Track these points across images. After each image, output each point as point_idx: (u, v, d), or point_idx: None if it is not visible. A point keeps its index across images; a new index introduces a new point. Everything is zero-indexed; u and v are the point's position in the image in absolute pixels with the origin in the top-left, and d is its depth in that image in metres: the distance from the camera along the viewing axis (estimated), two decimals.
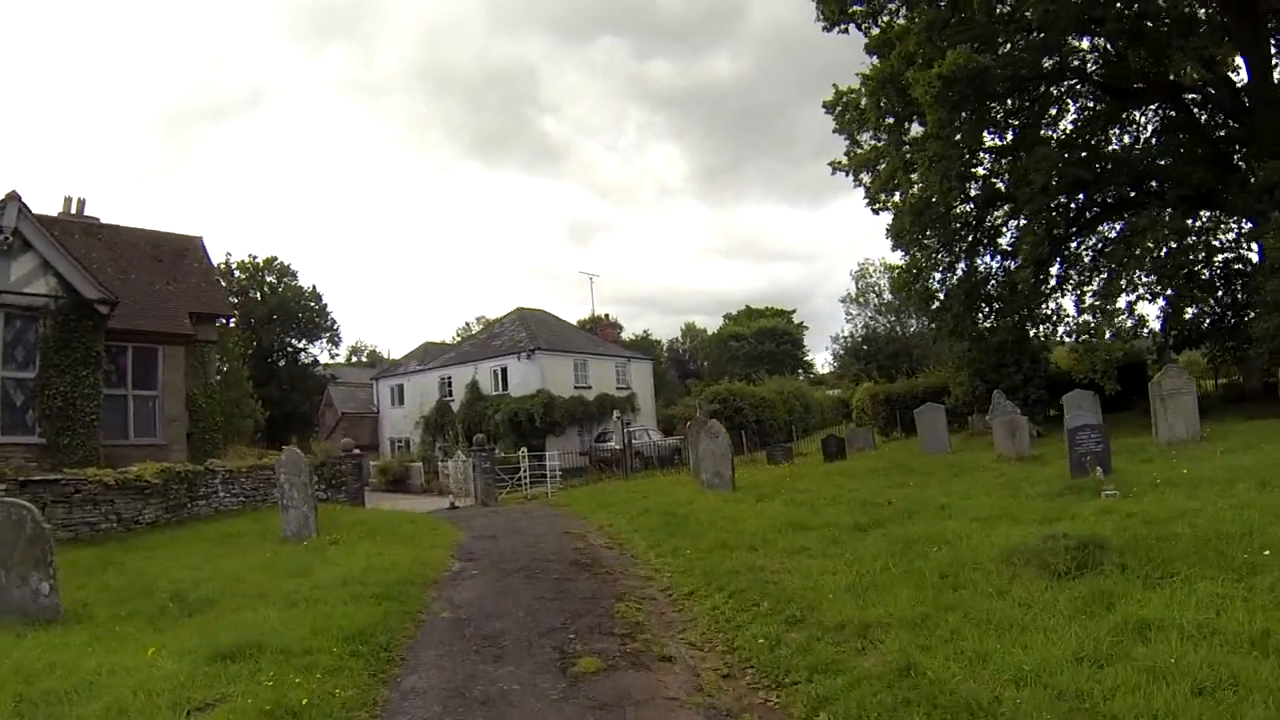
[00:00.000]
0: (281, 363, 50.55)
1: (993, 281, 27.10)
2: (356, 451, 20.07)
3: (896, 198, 28.38)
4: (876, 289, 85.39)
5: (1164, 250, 22.40)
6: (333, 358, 53.91)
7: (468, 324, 77.86)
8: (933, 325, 29.00)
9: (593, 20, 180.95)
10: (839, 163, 30.73)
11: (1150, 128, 26.42)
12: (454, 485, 22.90)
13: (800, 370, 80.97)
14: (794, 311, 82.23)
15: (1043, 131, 26.16)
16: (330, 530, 12.19)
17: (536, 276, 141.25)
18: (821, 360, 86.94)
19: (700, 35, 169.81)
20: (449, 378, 38.79)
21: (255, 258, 51.07)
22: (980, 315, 27.68)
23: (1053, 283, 26.84)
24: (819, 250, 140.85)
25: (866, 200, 29.95)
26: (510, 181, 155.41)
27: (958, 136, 23.82)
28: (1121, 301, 23.48)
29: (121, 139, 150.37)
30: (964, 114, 22.98)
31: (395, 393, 42.57)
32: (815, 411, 60.51)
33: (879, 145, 29.01)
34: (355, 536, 11.61)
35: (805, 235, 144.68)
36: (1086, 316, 24.56)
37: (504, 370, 35.89)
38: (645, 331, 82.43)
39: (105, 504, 14.73)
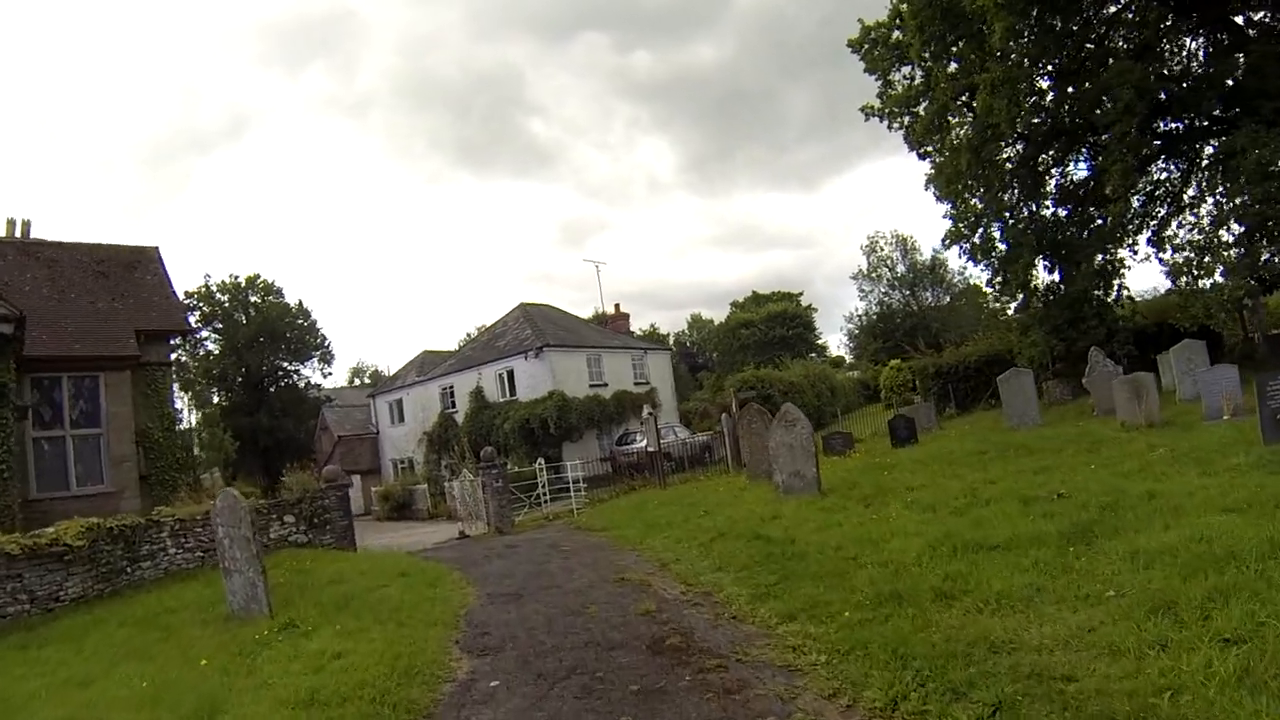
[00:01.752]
0: (272, 388, 47.17)
1: (1064, 227, 23.81)
2: (343, 481, 16.64)
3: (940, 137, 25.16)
4: (889, 262, 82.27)
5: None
6: (325, 376, 50.65)
7: (469, 335, 74.64)
8: (997, 280, 25.36)
9: (573, 16, 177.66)
10: (871, 107, 27.60)
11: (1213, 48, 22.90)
12: (462, 509, 19.51)
13: (814, 353, 77.65)
14: (801, 294, 78.84)
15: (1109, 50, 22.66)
16: (289, 601, 8.82)
17: (533, 280, 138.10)
18: (835, 342, 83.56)
19: (681, 22, 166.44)
20: (450, 387, 35.35)
21: (236, 277, 47.80)
22: (1047, 266, 24.50)
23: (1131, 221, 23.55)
24: (812, 235, 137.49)
25: (909, 144, 26.75)
26: (500, 188, 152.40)
27: (1024, 59, 20.42)
28: (1225, 234, 20.01)
29: (108, 172, 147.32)
30: (1030, 25, 19.58)
31: (394, 409, 39.15)
32: (840, 394, 57.32)
33: (916, 84, 25.68)
34: (321, 611, 8.19)
35: (798, 220, 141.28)
36: (1182, 254, 21.08)
37: (510, 373, 32.45)
38: (653, 326, 79.01)
39: (11, 580, 11.41)
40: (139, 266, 22.16)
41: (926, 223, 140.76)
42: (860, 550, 7.68)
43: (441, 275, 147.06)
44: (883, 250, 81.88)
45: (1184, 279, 20.55)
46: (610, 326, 39.85)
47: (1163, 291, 25.91)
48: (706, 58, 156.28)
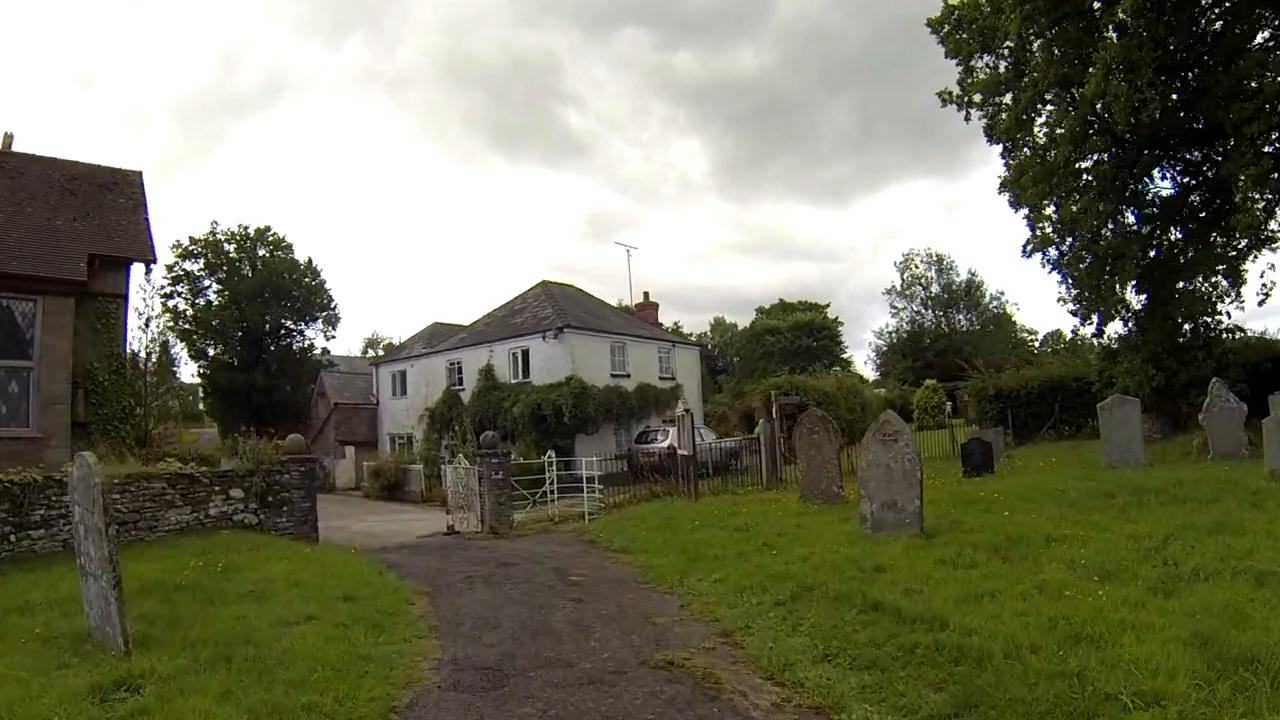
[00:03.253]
0: (272, 346, 44.31)
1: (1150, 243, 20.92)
2: (307, 454, 13.64)
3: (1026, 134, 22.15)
4: (923, 281, 79.10)
5: None
6: (329, 339, 47.68)
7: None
8: (1081, 296, 22.16)
9: (617, 9, 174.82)
10: (949, 93, 24.47)
11: None
12: (452, 499, 16.48)
13: (837, 367, 74.68)
14: (828, 306, 75.76)
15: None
16: (161, 631, 5.79)
17: (556, 270, 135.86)
18: (859, 359, 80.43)
19: (724, 26, 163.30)
20: (459, 362, 32.32)
21: (246, 227, 44.93)
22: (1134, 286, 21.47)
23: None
24: (839, 250, 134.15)
25: (990, 137, 23.58)
26: (531, 176, 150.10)
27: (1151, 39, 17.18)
28: None
29: (139, 130, 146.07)
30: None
31: (397, 380, 36.18)
32: (869, 411, 54.16)
33: (1003, 71, 22.56)
34: (191, 662, 5.17)
35: (826, 234, 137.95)
36: None
37: (525, 353, 29.37)
38: (676, 324, 75.98)
39: None
40: (114, 189, 19.33)
41: (958, 248, 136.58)
42: (1078, 655, 4.62)
43: (465, 257, 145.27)
44: (917, 268, 78.91)
45: None
46: (638, 315, 36.71)
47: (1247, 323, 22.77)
48: (747, 64, 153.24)
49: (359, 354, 64.41)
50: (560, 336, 27.94)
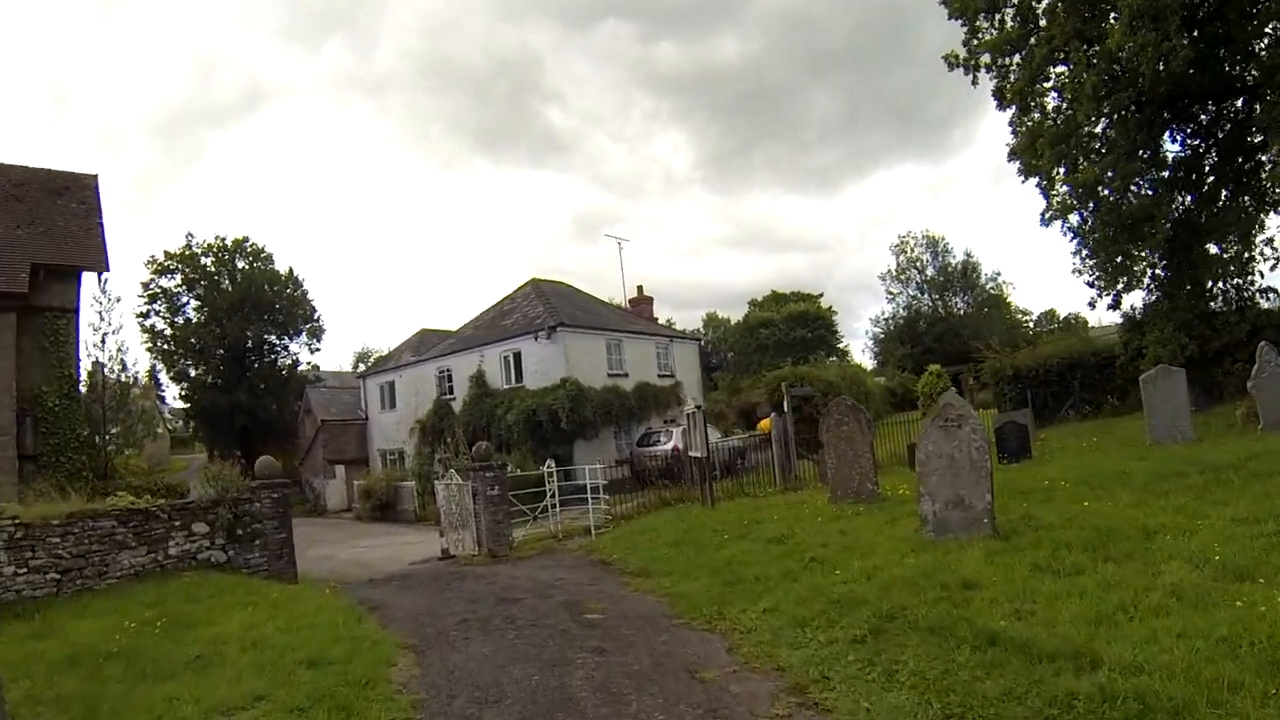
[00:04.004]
0: (256, 363, 42.70)
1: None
2: (280, 479, 12.17)
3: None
4: (919, 264, 77.94)
5: None
6: (313, 352, 46.02)
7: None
8: (1101, 265, 21.09)
9: (598, 3, 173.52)
10: (955, 56, 23.12)
11: None
12: (445, 518, 15.01)
13: (835, 356, 73.41)
14: (821, 295, 74.44)
15: None
16: None
17: (544, 271, 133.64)
18: (855, 348, 79.30)
19: (707, 15, 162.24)
20: (448, 370, 30.81)
21: (223, 239, 43.26)
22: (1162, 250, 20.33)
23: None
24: (827, 240, 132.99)
25: (1000, 101, 22.29)
26: (515, 176, 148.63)
27: None
28: None
29: (114, 147, 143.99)
30: None
31: (385, 393, 34.64)
32: (872, 400, 52.93)
33: (1010, 29, 21.31)
34: None
35: (814, 224, 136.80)
36: None
37: (517, 356, 27.89)
38: (669, 321, 74.52)
39: None
40: (66, 194, 17.91)
41: (948, 231, 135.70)
42: None
43: (452, 263, 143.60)
44: (912, 251, 77.73)
45: None
46: (632, 311, 35.28)
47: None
48: (730, 53, 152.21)
49: (350, 369, 62.79)
50: (553, 336, 26.49)
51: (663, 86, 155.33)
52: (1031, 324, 72.35)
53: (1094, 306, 23.27)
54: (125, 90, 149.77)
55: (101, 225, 17.15)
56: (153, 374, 43.20)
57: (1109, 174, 19.06)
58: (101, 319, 16.82)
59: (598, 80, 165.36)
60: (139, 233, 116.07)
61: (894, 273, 77.27)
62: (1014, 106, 21.96)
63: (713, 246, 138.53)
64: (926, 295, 76.24)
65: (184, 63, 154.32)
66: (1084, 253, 22.04)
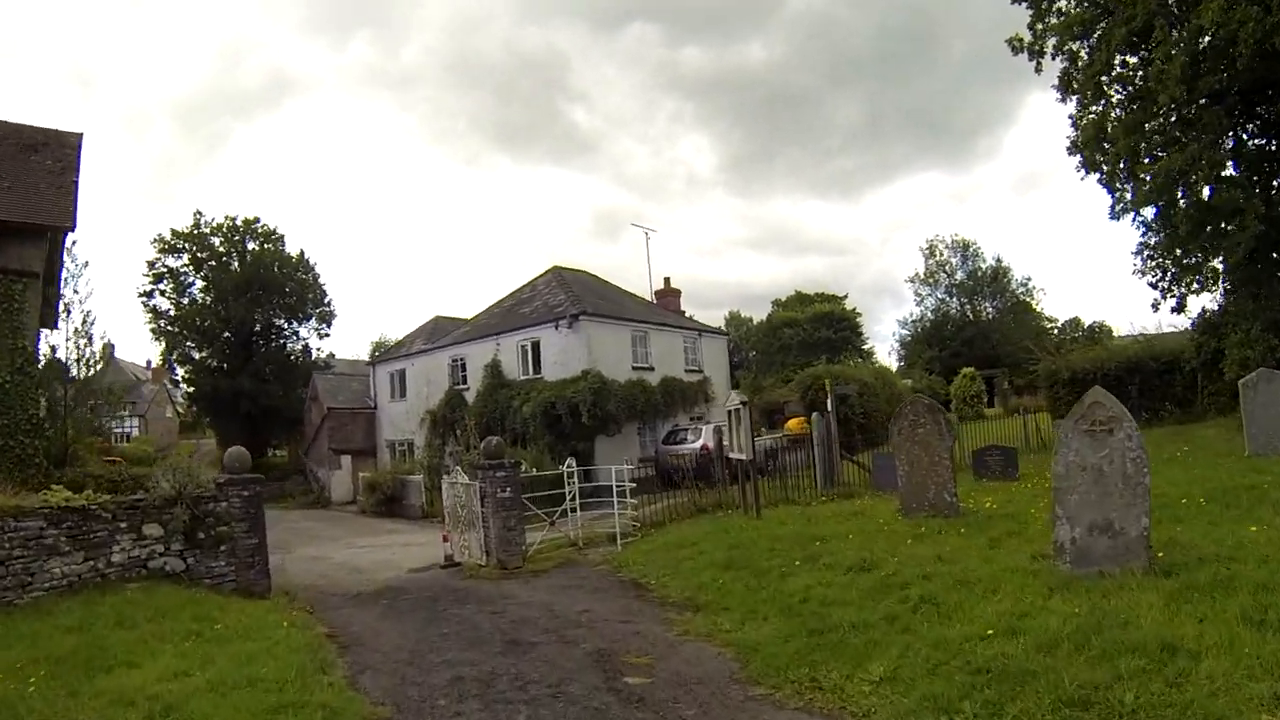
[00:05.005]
0: (263, 346, 41.00)
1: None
2: (249, 475, 10.28)
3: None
4: (948, 267, 75.87)
5: None
6: (322, 338, 44.19)
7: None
8: (1171, 261, 19.56)
9: (625, 6, 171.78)
10: (1019, 40, 21.27)
11: None
12: (450, 521, 13.10)
13: (859, 358, 71.31)
14: (845, 297, 72.35)
15: None
16: None
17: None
18: (879, 351, 77.18)
19: (733, 19, 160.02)
20: (462, 359, 28.96)
21: (233, 218, 41.55)
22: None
23: None
24: (848, 244, 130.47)
25: (1065, 89, 20.55)
26: (537, 174, 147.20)
27: None
28: None
29: (139, 129, 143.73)
30: None
31: (395, 381, 32.84)
32: (902, 402, 50.74)
33: (1077, 12, 19.56)
34: None
35: (835, 228, 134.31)
36: None
37: (535, 345, 25.97)
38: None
39: None
40: (42, 150, 16.18)
41: (978, 236, 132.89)
42: None
43: (472, 259, 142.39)
44: (942, 254, 75.71)
45: None
46: (659, 304, 33.25)
47: None
48: (756, 57, 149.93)
49: (365, 359, 61.28)
50: (575, 325, 24.54)
51: (688, 89, 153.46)
52: (1056, 331, 70.34)
53: (1157, 309, 21.55)
54: (150, 74, 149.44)
55: (76, 184, 15.38)
56: (166, 357, 41.64)
57: (1194, 162, 17.14)
58: (65, 284, 15.04)
59: (623, 82, 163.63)
60: (159, 222, 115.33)
61: (922, 275, 75.22)
62: (1077, 96, 20.38)
63: (733, 247, 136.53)
64: (955, 299, 74.13)
65: (210, 50, 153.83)
66: (1146, 253, 20.65)
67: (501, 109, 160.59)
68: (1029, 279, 78.32)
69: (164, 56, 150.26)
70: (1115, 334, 62.20)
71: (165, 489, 9.52)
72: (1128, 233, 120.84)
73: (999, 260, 71.00)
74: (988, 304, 73.33)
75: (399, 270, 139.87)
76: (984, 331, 65.27)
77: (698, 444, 23.31)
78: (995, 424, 25.74)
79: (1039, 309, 70.83)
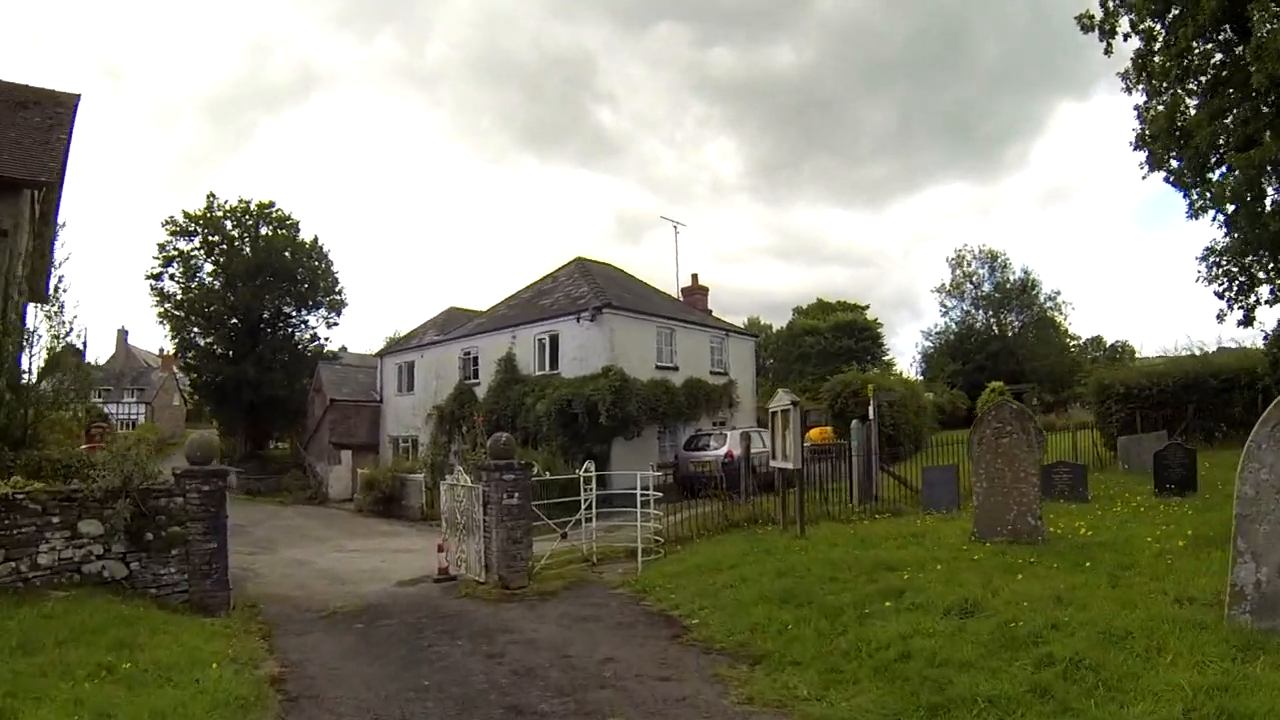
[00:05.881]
0: (269, 333, 39.60)
1: None
2: (213, 467, 8.71)
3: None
4: (975, 279, 74.01)
5: None
6: (330, 327, 42.73)
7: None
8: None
9: (654, 5, 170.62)
10: (1089, 17, 19.86)
11: None
12: (448, 528, 11.49)
13: (878, 369, 69.53)
14: (867, 307, 70.49)
15: None
16: None
17: None
18: (902, 363, 75.33)
19: (764, 22, 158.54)
20: (474, 352, 27.41)
21: (247, 202, 40.24)
22: None
23: None
24: (871, 255, 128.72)
25: (1140, 71, 19.01)
26: (563, 175, 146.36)
27: None
28: None
29: (168, 123, 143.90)
30: None
31: (403, 374, 31.31)
32: (925, 415, 49.07)
33: None
34: None
35: (860, 238, 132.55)
36: None
37: (554, 339, 24.38)
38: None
39: None
40: (33, 108, 14.89)
41: (1006, 247, 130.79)
42: None
43: (494, 258, 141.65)
44: (969, 265, 73.87)
45: None
46: (686, 301, 31.56)
47: None
48: (785, 61, 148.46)
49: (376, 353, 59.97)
50: (598, 318, 22.92)
51: (716, 93, 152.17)
52: (1076, 349, 68.63)
53: (1222, 320, 19.75)
54: (179, 69, 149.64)
55: (67, 143, 14.00)
56: (179, 343, 40.28)
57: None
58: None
59: (651, 83, 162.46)
60: (184, 209, 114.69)
61: (948, 286, 73.37)
62: (1145, 86, 18.98)
63: (756, 255, 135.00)
64: (981, 312, 72.25)
65: (238, 44, 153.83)
66: (1213, 259, 19.53)
67: (528, 107, 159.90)
68: (1058, 292, 76.19)
69: (192, 51, 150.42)
70: (1138, 354, 60.41)
71: (109, 479, 7.97)
72: (1155, 249, 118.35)
73: (1027, 272, 68.97)
74: (1013, 318, 71.40)
75: (419, 267, 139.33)
76: (1009, 347, 63.49)
77: (722, 450, 21.64)
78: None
79: (1066, 325, 68.93)
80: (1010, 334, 67.40)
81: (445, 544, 11.36)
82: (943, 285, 73.23)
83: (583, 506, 11.57)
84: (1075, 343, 68.67)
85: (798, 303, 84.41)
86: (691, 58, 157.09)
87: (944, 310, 72.68)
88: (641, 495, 11.11)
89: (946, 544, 9.22)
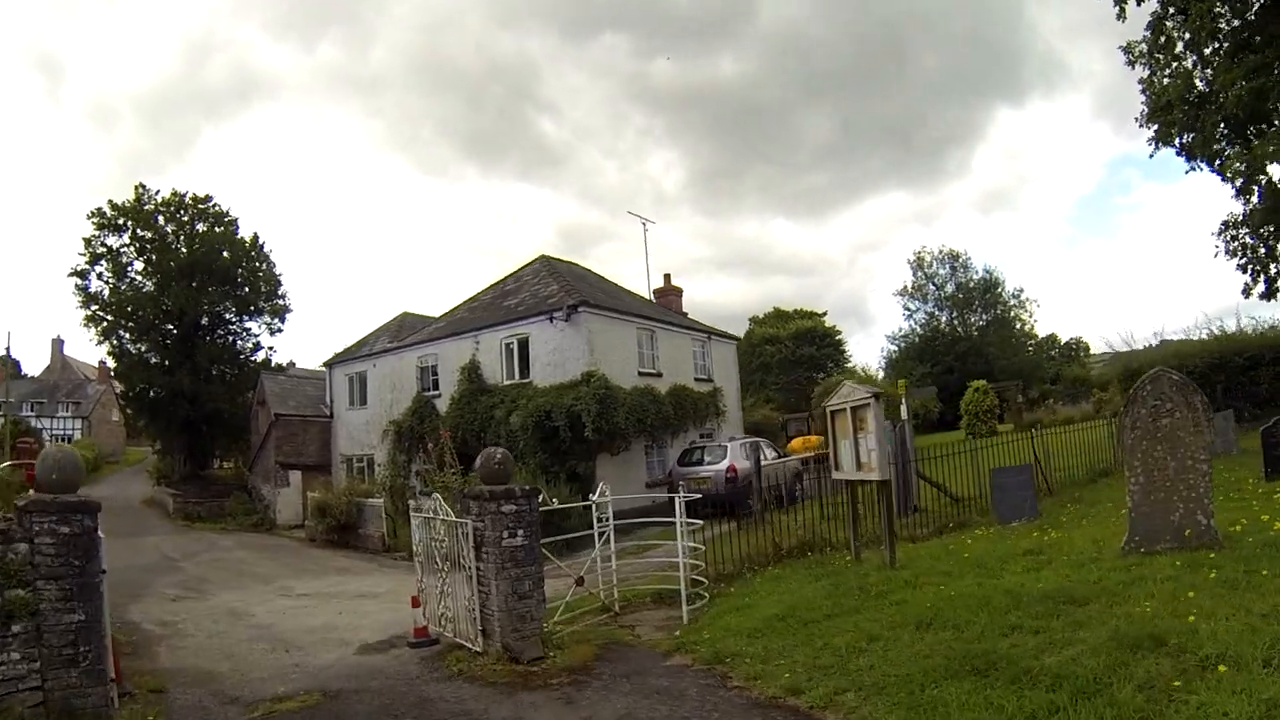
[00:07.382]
0: (206, 340, 36.09)
1: None
2: (76, 497, 5.95)
3: None
4: (937, 280, 73.55)
5: None
6: (273, 334, 39.36)
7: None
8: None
9: (596, 13, 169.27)
10: None
11: None
12: (422, 570, 8.78)
13: (844, 375, 68.17)
14: (825, 314, 69.35)
15: None
16: None
17: None
18: (872, 364, 74.28)
19: (705, 32, 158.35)
20: (433, 360, 24.54)
21: (181, 194, 36.63)
22: None
23: None
24: (815, 265, 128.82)
25: (1154, 40, 19.41)
26: (504, 189, 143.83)
27: None
28: None
29: (108, 122, 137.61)
30: None
31: (355, 385, 28.22)
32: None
33: None
34: None
35: (803, 248, 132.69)
36: None
37: (523, 343, 21.72)
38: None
39: None
40: None
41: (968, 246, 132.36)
42: None
43: (441, 268, 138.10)
44: (930, 266, 73.37)
45: None
46: (660, 303, 29.13)
47: None
48: (727, 71, 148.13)
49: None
50: (573, 318, 20.34)
51: (657, 103, 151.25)
52: (1033, 347, 68.84)
53: (1248, 294, 19.11)
54: (118, 66, 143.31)
55: None
56: (110, 350, 36.48)
57: None
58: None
59: (592, 93, 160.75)
60: None
61: (910, 289, 72.66)
62: (1161, 54, 18.98)
63: (700, 266, 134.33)
64: (945, 313, 71.64)
65: (176, 44, 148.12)
66: (1230, 232, 20.29)
67: (470, 117, 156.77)
68: (1021, 290, 76.04)
69: (130, 46, 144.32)
70: (1092, 351, 60.02)
71: None
72: (1096, 249, 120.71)
73: (990, 271, 68.58)
74: (977, 317, 70.80)
75: (367, 279, 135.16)
76: (978, 346, 62.74)
77: (723, 465, 19.23)
78: (1077, 432, 21.73)
79: (1032, 323, 68.73)
80: (975, 333, 66.67)
81: (421, 596, 8.65)
82: (905, 288, 72.37)
83: (598, 541, 8.97)
84: (1032, 342, 68.48)
85: (746, 314, 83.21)
86: (633, 68, 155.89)
87: (907, 313, 71.84)
88: (683, 525, 8.54)
89: (1101, 562, 7.03)
